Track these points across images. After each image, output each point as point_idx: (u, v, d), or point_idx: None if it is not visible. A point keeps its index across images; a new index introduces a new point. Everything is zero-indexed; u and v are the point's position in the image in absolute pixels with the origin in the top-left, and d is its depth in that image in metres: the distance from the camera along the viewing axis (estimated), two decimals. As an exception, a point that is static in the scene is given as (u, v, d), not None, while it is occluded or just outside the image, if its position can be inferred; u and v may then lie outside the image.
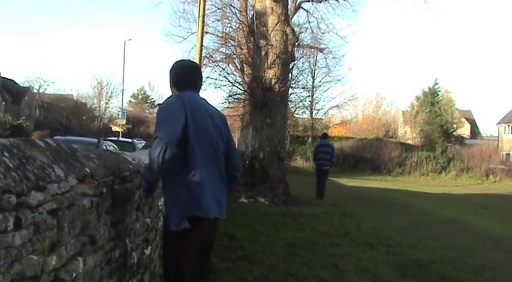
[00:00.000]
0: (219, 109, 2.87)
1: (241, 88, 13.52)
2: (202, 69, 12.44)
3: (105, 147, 10.09)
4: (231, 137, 2.76)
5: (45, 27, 77.37)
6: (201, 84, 2.76)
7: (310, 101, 30.62)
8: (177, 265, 2.39)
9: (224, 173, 2.57)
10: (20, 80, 41.88)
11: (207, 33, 12.27)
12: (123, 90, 36.20)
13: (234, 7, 12.57)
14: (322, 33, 14.68)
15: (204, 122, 2.46)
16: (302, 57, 19.60)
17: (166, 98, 2.59)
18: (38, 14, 74.79)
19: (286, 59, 10.92)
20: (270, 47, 10.72)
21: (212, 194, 2.43)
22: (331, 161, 12.15)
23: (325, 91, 31.04)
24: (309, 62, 25.85)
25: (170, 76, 2.69)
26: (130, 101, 52.75)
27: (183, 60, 3.05)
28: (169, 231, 2.39)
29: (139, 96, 54.99)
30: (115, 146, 11.50)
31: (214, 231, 2.60)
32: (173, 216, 2.39)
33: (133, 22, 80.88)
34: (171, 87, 2.69)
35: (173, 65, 2.74)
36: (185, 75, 2.67)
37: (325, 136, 13.62)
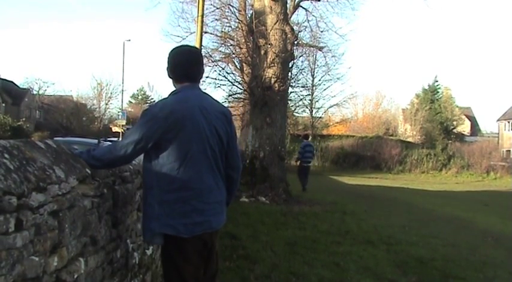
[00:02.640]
0: (225, 107, 2.60)
1: (241, 87, 13.53)
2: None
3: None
4: (233, 133, 2.48)
5: (44, 28, 77.38)
6: (203, 73, 2.52)
7: (310, 100, 30.58)
8: (178, 274, 2.27)
9: (222, 179, 2.39)
10: (20, 81, 42.12)
11: (206, 32, 12.27)
12: (122, 90, 36.29)
13: (232, 6, 12.57)
14: (321, 31, 14.68)
15: (195, 128, 2.23)
16: (301, 56, 19.63)
17: (155, 102, 2.42)
18: (36, 15, 74.82)
19: (286, 58, 10.91)
20: (269, 46, 10.71)
21: (199, 209, 2.23)
22: (312, 158, 14.86)
23: (324, 90, 31.00)
24: (309, 60, 25.85)
25: (168, 66, 2.42)
26: (130, 102, 52.86)
27: (182, 46, 2.65)
28: (166, 240, 2.27)
29: (139, 97, 55.05)
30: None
31: (211, 240, 2.38)
32: (144, 229, 2.30)
33: (132, 22, 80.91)
34: (169, 77, 2.43)
35: (171, 52, 2.44)
36: (184, 66, 2.39)
37: (306, 137, 15.50)
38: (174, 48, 2.49)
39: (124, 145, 2.17)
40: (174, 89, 2.44)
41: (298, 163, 14.07)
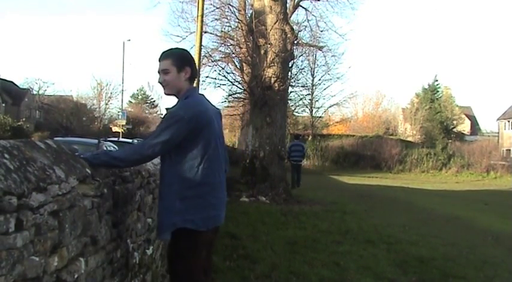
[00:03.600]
0: (219, 108, 2.81)
1: (241, 87, 13.54)
2: (202, 69, 12.45)
3: (105, 148, 10.11)
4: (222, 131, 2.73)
5: (43, 28, 77.36)
6: None
7: (309, 99, 30.64)
8: (187, 267, 2.37)
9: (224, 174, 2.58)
10: (20, 81, 41.98)
11: (206, 32, 12.27)
12: (122, 90, 36.28)
13: (232, 6, 12.57)
14: (321, 31, 14.67)
15: (211, 129, 2.42)
16: (301, 55, 19.63)
17: (179, 103, 2.43)
18: (36, 15, 74.81)
19: (286, 58, 10.92)
20: (269, 45, 10.72)
21: (212, 204, 2.41)
22: (303, 157, 15.26)
23: (324, 89, 31.07)
24: (308, 60, 25.87)
25: (189, 66, 2.48)
26: (130, 102, 52.75)
27: (186, 50, 2.81)
28: (177, 235, 2.36)
29: (139, 97, 55.00)
30: (115, 147, 11.49)
31: (215, 234, 2.58)
32: (163, 224, 2.40)
33: (132, 22, 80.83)
34: (181, 76, 2.44)
35: (188, 55, 2.59)
36: (195, 69, 2.57)
37: (297, 137, 16.51)
38: (187, 51, 2.65)
39: (152, 145, 2.28)
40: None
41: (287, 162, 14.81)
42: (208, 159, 2.37)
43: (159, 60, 2.48)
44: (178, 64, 2.44)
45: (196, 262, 2.38)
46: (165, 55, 2.48)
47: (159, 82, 2.49)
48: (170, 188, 2.36)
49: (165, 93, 2.50)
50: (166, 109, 2.52)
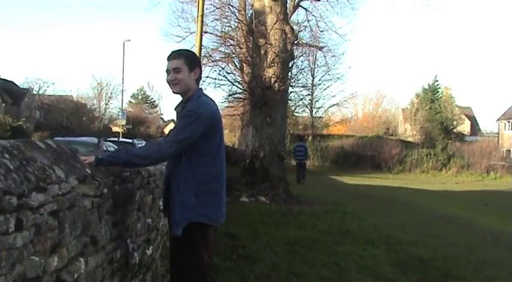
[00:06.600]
0: (219, 108, 2.88)
1: (241, 87, 13.54)
2: (202, 69, 12.41)
3: (105, 148, 10.12)
4: None
5: (44, 28, 77.34)
6: None
7: (310, 100, 30.67)
8: (197, 261, 2.43)
9: None
10: (20, 81, 41.93)
11: (206, 32, 12.27)
12: (122, 90, 36.26)
13: (232, 6, 12.56)
14: (321, 31, 14.63)
15: (220, 128, 2.54)
16: (301, 55, 19.55)
17: (194, 101, 2.45)
18: (36, 15, 74.79)
19: (286, 58, 10.91)
20: (269, 45, 10.71)
21: (223, 200, 2.53)
22: (305, 157, 17.76)
23: (324, 89, 31.14)
24: (309, 60, 25.83)
25: (198, 67, 2.57)
26: (130, 102, 52.80)
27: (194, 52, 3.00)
28: (190, 229, 2.40)
29: (139, 97, 55.06)
30: (115, 147, 11.51)
31: (214, 235, 2.68)
32: (178, 219, 2.42)
33: (132, 23, 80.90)
34: (191, 76, 2.49)
35: (197, 57, 2.73)
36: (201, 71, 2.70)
37: (300, 138, 19.28)
38: (194, 54, 2.78)
39: (174, 141, 2.36)
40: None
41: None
42: (218, 157, 2.47)
43: (169, 60, 2.49)
44: (190, 64, 2.48)
45: (204, 256, 2.44)
46: (176, 54, 2.51)
47: (167, 81, 2.50)
48: (186, 184, 2.41)
49: (173, 92, 2.51)
50: (175, 109, 2.58)
